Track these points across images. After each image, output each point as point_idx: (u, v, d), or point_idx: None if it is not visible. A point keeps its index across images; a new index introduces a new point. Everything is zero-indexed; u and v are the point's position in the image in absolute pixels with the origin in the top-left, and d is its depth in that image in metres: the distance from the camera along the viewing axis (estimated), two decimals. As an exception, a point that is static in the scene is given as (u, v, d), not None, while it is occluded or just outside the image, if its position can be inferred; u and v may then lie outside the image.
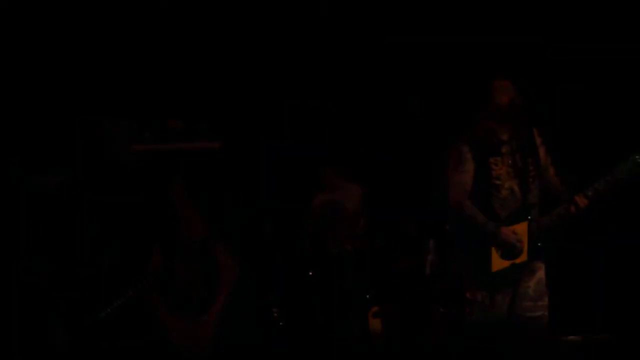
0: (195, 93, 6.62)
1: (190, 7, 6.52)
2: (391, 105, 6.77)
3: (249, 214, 6.42)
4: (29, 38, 6.22)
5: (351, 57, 6.70)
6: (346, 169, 6.52)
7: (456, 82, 6.04)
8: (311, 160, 6.57)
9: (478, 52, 6.31)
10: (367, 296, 5.95)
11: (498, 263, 4.61)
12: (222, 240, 5.13)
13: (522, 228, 4.61)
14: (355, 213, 6.38)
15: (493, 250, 4.61)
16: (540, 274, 4.67)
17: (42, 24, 6.24)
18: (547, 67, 6.19)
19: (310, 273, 6.07)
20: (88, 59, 6.36)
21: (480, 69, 5.01)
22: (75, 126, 6.14)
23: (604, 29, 6.15)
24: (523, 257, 4.61)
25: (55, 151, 6.04)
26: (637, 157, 4.56)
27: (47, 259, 5.63)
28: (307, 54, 6.70)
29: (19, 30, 6.22)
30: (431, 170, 4.81)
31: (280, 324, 5.91)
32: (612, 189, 4.56)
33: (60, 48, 6.31)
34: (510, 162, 4.67)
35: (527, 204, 4.65)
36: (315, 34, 6.67)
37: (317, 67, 6.75)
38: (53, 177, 5.92)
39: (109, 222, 5.86)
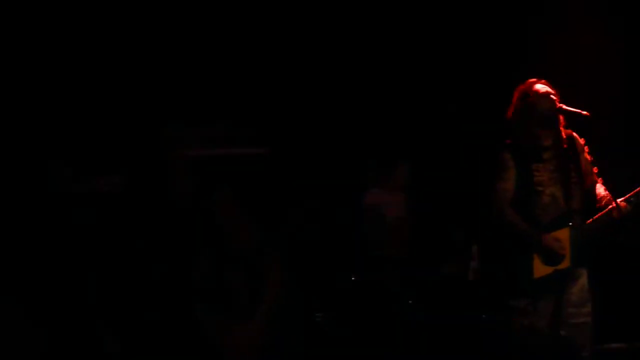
0: (240, 97, 6.68)
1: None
2: (435, 111, 6.80)
3: (298, 220, 6.44)
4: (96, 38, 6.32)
5: (393, 64, 6.74)
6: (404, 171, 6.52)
7: (494, 87, 6.06)
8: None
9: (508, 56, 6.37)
10: (410, 301, 5.97)
11: (540, 270, 4.62)
12: (270, 249, 5.18)
13: (564, 234, 4.62)
14: (400, 218, 6.41)
15: (535, 257, 4.61)
16: (583, 280, 4.67)
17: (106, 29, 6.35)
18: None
19: (353, 278, 6.10)
20: (145, 63, 6.45)
21: (516, 74, 5.01)
22: (133, 128, 6.21)
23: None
24: (566, 264, 4.61)
25: (112, 154, 6.11)
26: None
27: (98, 265, 5.70)
28: (354, 59, 6.75)
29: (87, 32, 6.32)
30: (475, 177, 4.82)
31: (325, 329, 5.94)
32: None
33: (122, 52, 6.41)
34: (552, 168, 4.68)
35: (569, 210, 4.64)
36: (355, 42, 6.72)
37: (361, 73, 6.79)
38: (108, 179, 5.98)
39: (159, 228, 5.91)
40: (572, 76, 5.95)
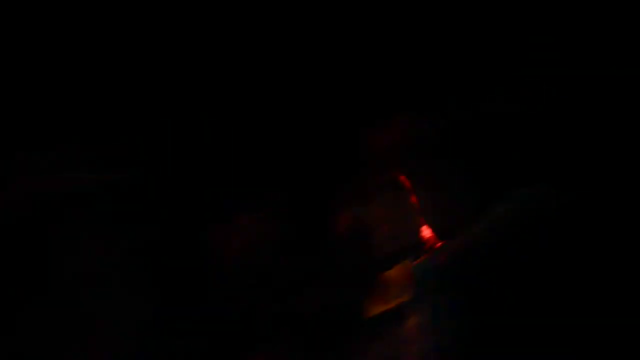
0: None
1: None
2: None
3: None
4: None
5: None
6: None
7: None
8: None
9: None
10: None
11: (380, 305, 4.61)
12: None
13: (403, 269, 4.63)
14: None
15: (375, 292, 4.61)
16: (427, 314, 4.63)
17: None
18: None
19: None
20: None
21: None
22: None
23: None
24: (405, 299, 4.61)
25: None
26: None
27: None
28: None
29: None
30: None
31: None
32: None
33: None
34: (386, 203, 4.68)
35: (406, 245, 4.66)
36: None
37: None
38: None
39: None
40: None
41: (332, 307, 4.69)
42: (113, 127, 6.50)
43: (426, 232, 4.75)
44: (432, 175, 4.80)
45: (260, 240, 6.43)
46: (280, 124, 6.27)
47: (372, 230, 4.65)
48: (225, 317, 5.90)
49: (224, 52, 6.26)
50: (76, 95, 6.40)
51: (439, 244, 4.70)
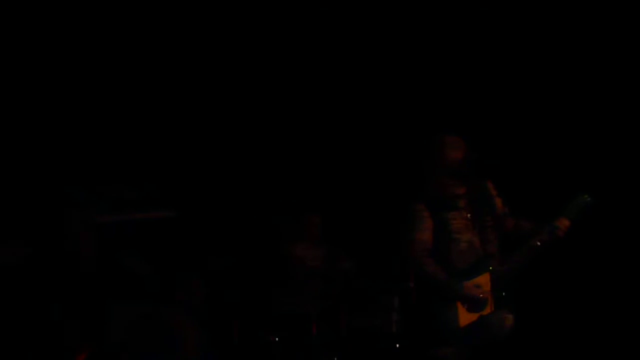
0: (145, 160, 6.57)
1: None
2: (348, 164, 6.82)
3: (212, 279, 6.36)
4: None
5: (301, 117, 6.74)
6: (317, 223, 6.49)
7: (405, 138, 6.12)
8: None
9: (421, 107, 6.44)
10: (335, 358, 5.93)
11: (465, 317, 4.60)
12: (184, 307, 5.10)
13: (484, 279, 4.64)
14: (318, 272, 6.37)
15: (459, 305, 4.61)
16: (510, 323, 4.67)
17: None
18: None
19: (277, 338, 6.03)
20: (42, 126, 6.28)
21: (426, 124, 5.09)
22: (34, 197, 6.02)
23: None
24: (489, 309, 4.62)
25: (14, 224, 5.91)
26: (583, 197, 4.73)
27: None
28: (256, 113, 6.72)
29: None
30: (394, 230, 4.84)
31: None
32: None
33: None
34: (467, 215, 4.71)
35: (487, 254, 4.68)
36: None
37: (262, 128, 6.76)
38: (11, 251, 5.79)
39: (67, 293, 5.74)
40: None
41: (420, 319, 4.72)
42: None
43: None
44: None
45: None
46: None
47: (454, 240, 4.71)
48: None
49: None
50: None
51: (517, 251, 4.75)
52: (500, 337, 4.65)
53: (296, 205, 6.57)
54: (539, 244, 4.66)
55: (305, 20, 6.48)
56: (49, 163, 6.20)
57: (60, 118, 6.31)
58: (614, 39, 6.15)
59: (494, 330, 4.65)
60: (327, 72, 6.63)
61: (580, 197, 4.73)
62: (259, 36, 6.54)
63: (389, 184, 6.31)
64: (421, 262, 4.64)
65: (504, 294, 4.68)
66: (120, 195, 6.37)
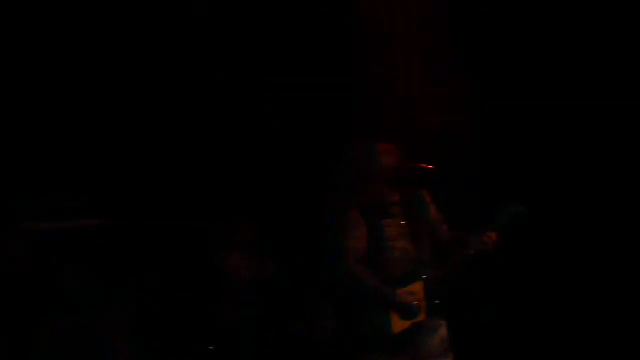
0: (73, 167, 6.45)
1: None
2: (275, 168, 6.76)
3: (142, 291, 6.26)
4: None
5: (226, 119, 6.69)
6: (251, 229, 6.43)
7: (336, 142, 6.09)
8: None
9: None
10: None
11: (398, 325, 4.59)
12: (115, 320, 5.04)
13: (418, 287, 4.62)
14: (250, 280, 6.31)
15: (392, 312, 4.58)
16: (443, 331, 4.68)
17: None
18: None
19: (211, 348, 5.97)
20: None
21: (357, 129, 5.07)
22: None
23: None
24: (422, 317, 4.61)
25: None
26: (515, 206, 4.72)
27: None
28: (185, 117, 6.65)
29: None
30: (323, 236, 4.79)
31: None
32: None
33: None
34: (401, 222, 4.69)
35: (421, 262, 4.67)
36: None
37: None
38: None
39: None
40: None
41: (354, 327, 4.68)
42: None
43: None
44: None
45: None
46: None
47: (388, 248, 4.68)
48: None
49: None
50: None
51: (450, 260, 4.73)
52: (433, 344, 4.64)
53: (227, 212, 6.50)
54: (472, 253, 4.65)
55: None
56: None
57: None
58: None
59: (427, 337, 4.64)
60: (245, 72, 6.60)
61: (511, 207, 4.73)
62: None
63: (319, 188, 6.26)
64: (353, 270, 4.60)
65: (437, 301, 4.65)
66: (55, 204, 6.26)
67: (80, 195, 6.33)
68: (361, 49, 6.51)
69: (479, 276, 5.66)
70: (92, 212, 6.22)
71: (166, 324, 6.13)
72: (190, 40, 6.54)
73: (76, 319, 5.55)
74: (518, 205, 4.74)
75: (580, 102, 6.14)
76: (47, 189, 6.30)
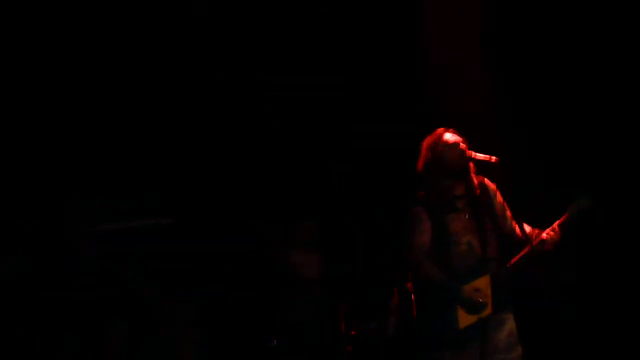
0: (142, 169, 6.50)
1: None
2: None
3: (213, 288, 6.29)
4: None
5: (291, 122, 6.68)
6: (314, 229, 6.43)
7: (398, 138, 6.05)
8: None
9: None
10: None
11: (465, 320, 4.55)
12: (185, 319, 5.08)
13: (484, 282, 4.56)
14: (313, 278, 6.31)
15: (458, 307, 4.54)
16: (510, 325, 4.61)
17: None
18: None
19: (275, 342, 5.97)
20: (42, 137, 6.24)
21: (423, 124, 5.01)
22: (30, 208, 5.98)
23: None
24: (488, 311, 4.54)
25: (8, 236, 5.87)
26: (583, 199, 4.63)
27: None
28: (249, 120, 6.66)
29: None
30: (390, 233, 4.76)
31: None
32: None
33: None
34: (466, 216, 4.63)
35: (486, 257, 4.60)
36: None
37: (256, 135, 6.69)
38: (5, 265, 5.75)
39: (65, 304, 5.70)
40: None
41: (421, 322, 4.64)
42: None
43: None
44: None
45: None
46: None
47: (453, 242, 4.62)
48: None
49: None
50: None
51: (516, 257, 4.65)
52: (501, 338, 4.58)
53: (290, 212, 6.50)
54: (542, 247, 4.56)
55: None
56: (48, 175, 6.16)
57: (59, 128, 6.27)
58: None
59: (494, 331, 4.57)
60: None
61: (580, 201, 4.62)
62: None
63: (385, 186, 6.22)
64: (420, 265, 4.59)
65: (504, 296, 4.59)
66: (119, 206, 6.32)
67: (142, 197, 6.38)
68: (427, 41, 6.46)
69: (556, 274, 5.61)
70: (156, 213, 6.26)
71: (230, 323, 6.15)
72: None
73: (141, 320, 5.57)
74: (587, 200, 4.63)
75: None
76: (110, 191, 6.36)
